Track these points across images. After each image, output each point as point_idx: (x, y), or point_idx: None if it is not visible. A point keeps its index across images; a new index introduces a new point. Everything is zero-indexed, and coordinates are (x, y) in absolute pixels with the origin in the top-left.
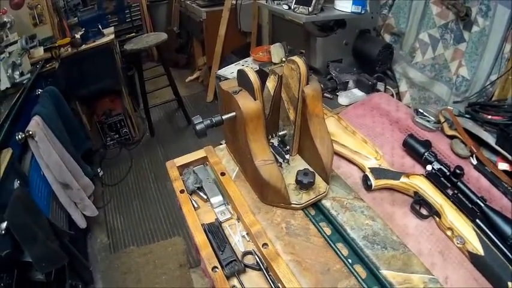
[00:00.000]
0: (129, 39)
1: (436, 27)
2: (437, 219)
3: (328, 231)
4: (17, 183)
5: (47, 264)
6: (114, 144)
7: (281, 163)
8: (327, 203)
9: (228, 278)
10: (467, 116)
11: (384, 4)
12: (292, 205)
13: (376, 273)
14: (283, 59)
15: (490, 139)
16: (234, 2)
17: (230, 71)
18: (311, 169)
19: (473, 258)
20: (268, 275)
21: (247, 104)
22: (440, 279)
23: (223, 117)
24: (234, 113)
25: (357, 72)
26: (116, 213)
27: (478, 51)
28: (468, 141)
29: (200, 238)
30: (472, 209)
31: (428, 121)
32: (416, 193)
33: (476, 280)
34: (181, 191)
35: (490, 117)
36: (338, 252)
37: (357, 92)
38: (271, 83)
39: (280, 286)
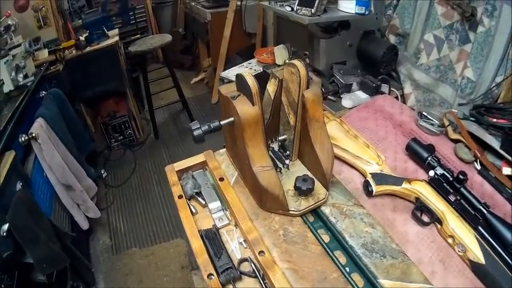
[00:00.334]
0: (133, 41)
1: (441, 27)
2: (439, 226)
3: (326, 238)
4: (19, 185)
5: (48, 265)
6: (119, 146)
7: (281, 168)
8: (326, 210)
9: (223, 285)
10: (471, 119)
11: (388, 4)
12: (291, 212)
13: (374, 283)
14: (287, 61)
15: (495, 143)
16: (239, 3)
17: (233, 73)
18: (310, 175)
19: (474, 267)
20: (264, 283)
21: (245, 109)
22: None
23: (222, 122)
24: (232, 118)
25: (361, 74)
26: (119, 215)
27: (483, 52)
28: (472, 145)
29: (197, 244)
30: (474, 215)
31: (432, 124)
32: (417, 199)
33: None
34: (180, 197)
35: (495, 120)
36: (336, 260)
37: (361, 95)
38: (271, 87)
39: None
